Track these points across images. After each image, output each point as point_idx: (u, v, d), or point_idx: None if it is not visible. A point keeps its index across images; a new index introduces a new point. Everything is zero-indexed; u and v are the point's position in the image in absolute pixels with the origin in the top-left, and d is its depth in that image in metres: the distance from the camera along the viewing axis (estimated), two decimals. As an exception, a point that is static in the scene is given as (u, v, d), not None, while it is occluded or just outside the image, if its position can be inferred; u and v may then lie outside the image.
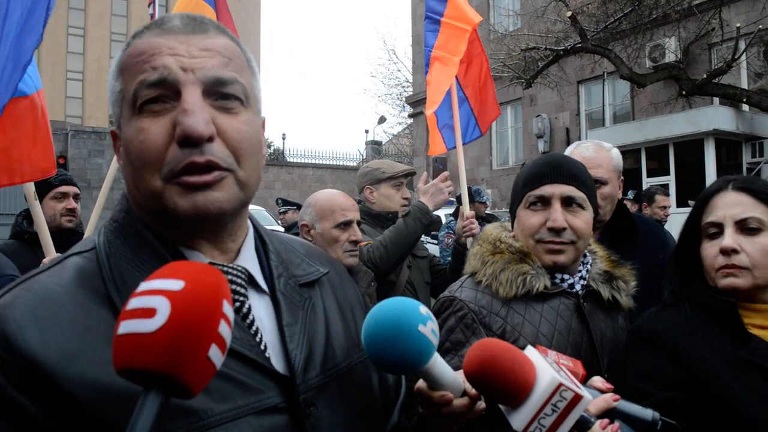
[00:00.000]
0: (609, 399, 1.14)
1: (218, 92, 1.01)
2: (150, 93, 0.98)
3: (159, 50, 1.00)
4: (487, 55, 4.70)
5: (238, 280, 1.07)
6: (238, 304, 1.06)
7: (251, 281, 1.11)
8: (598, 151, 2.75)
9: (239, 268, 1.09)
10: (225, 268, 1.06)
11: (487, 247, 1.90)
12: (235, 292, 1.06)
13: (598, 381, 1.20)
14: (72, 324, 0.92)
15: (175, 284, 0.77)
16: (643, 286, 2.01)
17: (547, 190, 1.82)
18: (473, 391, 1.09)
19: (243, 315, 1.05)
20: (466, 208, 3.98)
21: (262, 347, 1.04)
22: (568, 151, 2.80)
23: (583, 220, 1.81)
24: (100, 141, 26.32)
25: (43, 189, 3.14)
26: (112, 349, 0.76)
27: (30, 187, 3.01)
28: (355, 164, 35.42)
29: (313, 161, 33.77)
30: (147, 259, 1.02)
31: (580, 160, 2.52)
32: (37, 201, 3.06)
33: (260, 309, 1.10)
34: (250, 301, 1.08)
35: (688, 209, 1.91)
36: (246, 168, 1.03)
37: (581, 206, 1.82)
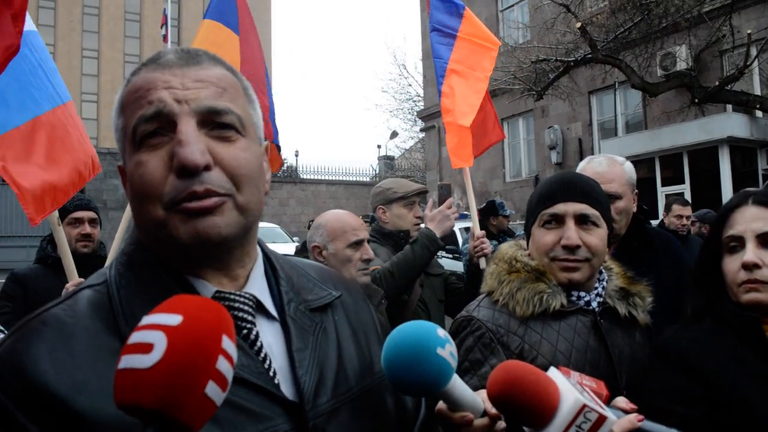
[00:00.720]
0: (633, 419, 1.14)
1: (213, 122, 1.03)
2: (148, 127, 1.01)
3: (154, 85, 1.03)
4: (493, 71, 4.73)
5: (246, 308, 1.08)
6: (245, 331, 1.06)
7: (260, 308, 1.11)
8: (610, 166, 2.74)
9: (247, 295, 1.09)
10: (232, 296, 1.07)
11: (503, 266, 1.91)
12: (242, 319, 1.06)
13: (621, 401, 1.20)
14: (83, 355, 0.94)
15: (173, 319, 0.77)
16: (659, 301, 2.01)
17: (560, 208, 1.84)
18: (493, 410, 1.09)
19: (251, 342, 1.06)
20: (476, 228, 3.94)
21: (271, 374, 1.05)
22: (581, 167, 2.81)
23: (598, 237, 1.83)
24: (116, 162, 26.24)
25: (60, 214, 3.19)
26: (114, 383, 0.76)
27: (53, 213, 3.06)
28: (368, 179, 35.53)
29: (327, 177, 33.89)
30: (155, 290, 1.03)
31: (593, 175, 2.53)
32: (61, 227, 3.11)
33: (269, 335, 1.10)
34: (258, 327, 1.08)
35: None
36: (245, 193, 1.05)
37: (595, 224, 1.83)
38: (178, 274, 1.06)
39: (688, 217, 7.35)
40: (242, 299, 1.08)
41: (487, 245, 3.70)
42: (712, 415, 1.61)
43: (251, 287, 1.12)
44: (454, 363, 1.03)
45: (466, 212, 19.10)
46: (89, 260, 3.58)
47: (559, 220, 1.84)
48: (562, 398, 1.07)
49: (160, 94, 1.02)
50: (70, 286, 2.98)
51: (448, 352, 1.02)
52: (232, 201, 1.03)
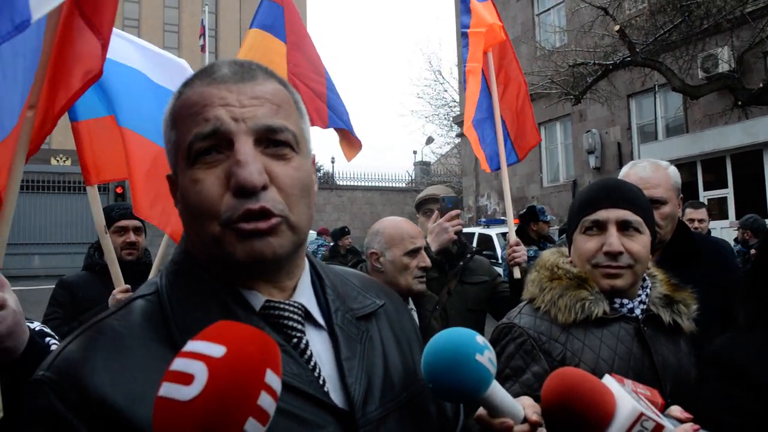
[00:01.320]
0: (689, 429, 1.12)
1: (269, 140, 1.04)
2: (204, 144, 1.02)
3: (210, 101, 1.03)
4: (530, 75, 4.64)
5: (295, 317, 1.09)
6: (295, 340, 1.07)
7: (308, 316, 1.13)
8: (655, 171, 2.69)
9: (296, 304, 1.10)
10: (282, 305, 1.08)
11: (545, 273, 1.91)
12: (292, 328, 1.08)
13: (676, 410, 1.18)
14: (139, 366, 0.95)
15: (217, 350, 0.76)
16: (704, 308, 1.97)
17: (602, 214, 1.83)
18: (533, 417, 1.08)
19: (301, 351, 1.07)
20: (512, 235, 3.83)
21: (321, 382, 1.06)
22: (623, 172, 2.77)
23: (640, 243, 1.81)
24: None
25: (106, 223, 3.29)
26: (153, 410, 0.76)
27: (100, 221, 3.15)
28: (404, 185, 35.55)
29: (363, 183, 34.00)
30: (206, 299, 1.05)
31: (637, 180, 2.51)
32: (107, 234, 3.20)
33: (318, 344, 1.11)
34: (307, 336, 1.10)
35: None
36: (297, 212, 1.06)
37: (638, 230, 1.82)
38: (228, 284, 1.07)
39: (701, 221, 7.04)
40: (291, 308, 1.09)
41: (521, 254, 3.60)
42: (765, 425, 1.57)
43: (299, 296, 1.13)
44: (493, 369, 1.03)
45: (503, 217, 18.97)
46: (134, 267, 3.67)
47: (601, 227, 1.83)
48: (619, 406, 1.06)
49: (216, 111, 1.02)
50: (117, 293, 3.07)
51: (487, 358, 1.03)
52: (286, 222, 1.04)
